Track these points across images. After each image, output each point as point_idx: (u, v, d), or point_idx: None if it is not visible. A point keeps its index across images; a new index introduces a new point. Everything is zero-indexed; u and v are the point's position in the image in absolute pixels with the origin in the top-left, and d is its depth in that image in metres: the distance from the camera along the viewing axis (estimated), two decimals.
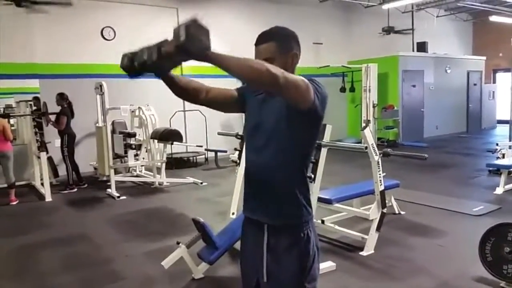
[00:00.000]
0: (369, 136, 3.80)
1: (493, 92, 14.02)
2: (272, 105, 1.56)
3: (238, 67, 1.28)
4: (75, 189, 6.63)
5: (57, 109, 6.69)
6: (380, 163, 3.78)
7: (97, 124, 6.83)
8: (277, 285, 1.60)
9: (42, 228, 4.84)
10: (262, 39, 1.54)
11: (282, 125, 1.52)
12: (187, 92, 1.63)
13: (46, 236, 4.54)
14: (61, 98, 6.64)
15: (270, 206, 1.60)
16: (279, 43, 1.53)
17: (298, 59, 1.59)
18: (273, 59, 1.48)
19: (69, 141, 6.65)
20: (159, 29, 8.78)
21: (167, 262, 3.22)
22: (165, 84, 1.56)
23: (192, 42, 1.18)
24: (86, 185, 6.85)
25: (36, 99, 7.17)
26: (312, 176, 3.67)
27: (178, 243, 3.31)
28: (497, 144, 6.67)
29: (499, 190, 5.61)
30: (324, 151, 3.70)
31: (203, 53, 1.24)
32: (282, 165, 1.57)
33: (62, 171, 7.29)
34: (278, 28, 1.58)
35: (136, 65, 1.32)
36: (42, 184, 6.33)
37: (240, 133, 4.91)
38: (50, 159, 6.93)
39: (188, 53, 1.22)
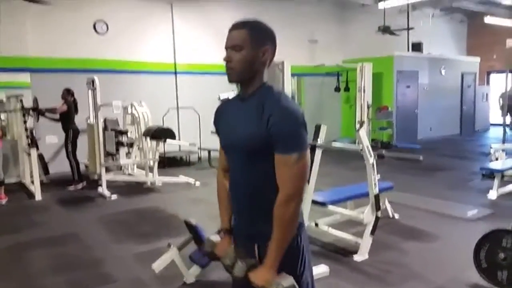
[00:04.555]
0: (364, 137, 3.76)
1: (487, 94, 14.07)
2: (247, 123, 1.50)
3: (288, 238, 1.47)
4: (80, 186, 6.55)
5: (50, 104, 6.61)
6: (375, 165, 3.73)
7: (88, 121, 6.73)
8: None
9: (31, 228, 4.76)
10: (235, 25, 1.50)
11: (258, 143, 1.46)
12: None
13: (35, 236, 4.46)
14: (68, 93, 6.59)
15: (255, 222, 1.57)
16: (251, 33, 1.47)
17: (271, 56, 1.53)
18: (242, 47, 1.46)
19: (73, 137, 6.58)
20: (152, 24, 8.71)
21: (157, 265, 3.16)
22: None
23: None
24: (85, 184, 6.72)
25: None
26: None
27: (169, 245, 3.25)
28: (491, 147, 6.66)
29: (492, 194, 5.59)
30: (318, 153, 3.66)
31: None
32: (261, 180, 1.51)
33: (53, 168, 7.20)
34: (255, 20, 1.53)
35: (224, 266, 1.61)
36: (32, 182, 6.21)
37: None
38: (40, 156, 6.81)
39: None
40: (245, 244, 1.60)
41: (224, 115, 1.65)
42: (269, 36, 1.52)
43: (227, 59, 1.49)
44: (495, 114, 13.60)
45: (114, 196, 5.98)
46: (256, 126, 1.45)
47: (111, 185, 6.51)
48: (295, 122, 1.43)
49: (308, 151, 1.48)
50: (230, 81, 1.52)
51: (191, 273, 3.23)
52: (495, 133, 12.98)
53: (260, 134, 1.44)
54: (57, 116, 6.58)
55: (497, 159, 6.72)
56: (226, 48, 1.50)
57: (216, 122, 1.71)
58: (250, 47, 1.46)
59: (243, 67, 1.47)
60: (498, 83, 13.78)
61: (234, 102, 1.62)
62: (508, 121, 7.97)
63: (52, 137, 7.53)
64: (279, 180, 1.45)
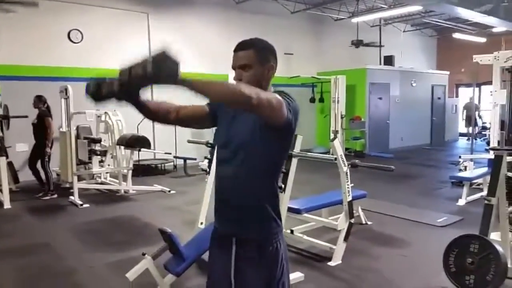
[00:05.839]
0: (338, 147, 3.84)
1: (456, 106, 14.54)
2: (244, 119, 1.56)
3: (212, 91, 1.36)
4: (56, 195, 6.36)
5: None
6: (348, 174, 3.82)
7: (60, 129, 6.60)
8: None
9: None
10: (242, 46, 1.59)
11: (253, 138, 1.54)
12: (157, 115, 1.69)
13: (4, 246, 4.32)
14: (39, 100, 6.34)
15: (238, 218, 1.61)
16: (257, 53, 1.58)
17: (274, 71, 1.64)
18: (250, 66, 1.56)
19: (50, 146, 6.37)
20: (128, 33, 8.65)
21: (131, 274, 3.11)
22: (136, 109, 1.61)
23: (159, 72, 1.24)
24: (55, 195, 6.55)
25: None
26: (283, 186, 3.67)
27: (143, 254, 3.21)
28: (460, 157, 6.88)
29: (461, 202, 5.78)
30: (294, 161, 3.71)
31: (172, 81, 1.29)
32: (250, 177, 1.58)
33: (22, 177, 7.00)
34: (258, 39, 1.64)
35: (104, 93, 1.39)
36: (0, 190, 6.03)
37: (211, 141, 4.85)
38: (10, 164, 6.62)
39: (156, 82, 1.30)
40: (223, 237, 1.64)
41: (227, 114, 1.66)
42: (271, 54, 1.63)
43: (238, 79, 1.57)
44: (463, 125, 14.06)
45: (86, 205, 5.87)
46: (253, 121, 1.51)
47: (83, 194, 6.40)
48: (288, 94, 1.54)
49: (287, 108, 1.47)
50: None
51: (166, 282, 3.19)
52: (464, 143, 13.42)
53: (257, 128, 1.51)
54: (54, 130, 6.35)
55: (465, 168, 6.94)
56: (234, 68, 1.59)
57: (217, 109, 1.70)
58: (257, 66, 1.56)
59: (252, 84, 1.54)
60: (466, 96, 14.30)
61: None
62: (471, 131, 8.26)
63: (22, 145, 7.34)
64: None
